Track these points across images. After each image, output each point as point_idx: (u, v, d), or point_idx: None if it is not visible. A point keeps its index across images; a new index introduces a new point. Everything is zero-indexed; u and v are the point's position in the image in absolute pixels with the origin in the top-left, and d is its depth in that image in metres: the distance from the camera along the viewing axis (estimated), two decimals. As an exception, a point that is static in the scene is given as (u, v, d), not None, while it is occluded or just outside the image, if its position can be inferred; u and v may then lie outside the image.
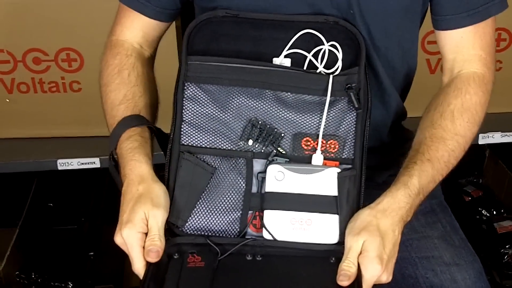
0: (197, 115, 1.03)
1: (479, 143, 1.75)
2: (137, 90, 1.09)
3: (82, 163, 1.69)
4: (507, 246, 1.84)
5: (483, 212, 2.02)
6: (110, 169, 1.06)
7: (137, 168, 1.00)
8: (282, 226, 1.00)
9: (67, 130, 1.77)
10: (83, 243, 1.89)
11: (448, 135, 1.07)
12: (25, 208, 1.92)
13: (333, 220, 1.00)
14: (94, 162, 1.69)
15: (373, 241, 0.93)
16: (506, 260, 1.82)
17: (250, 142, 1.02)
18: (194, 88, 1.03)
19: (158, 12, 1.14)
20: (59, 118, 1.76)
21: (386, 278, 0.94)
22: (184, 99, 1.03)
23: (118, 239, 0.96)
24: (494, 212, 2.02)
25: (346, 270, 0.92)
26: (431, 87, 1.19)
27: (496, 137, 1.76)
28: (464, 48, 1.13)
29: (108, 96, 1.09)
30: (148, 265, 0.96)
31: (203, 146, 1.03)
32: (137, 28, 1.15)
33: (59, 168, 1.69)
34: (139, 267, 0.94)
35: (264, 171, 1.02)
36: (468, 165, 2.17)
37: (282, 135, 1.02)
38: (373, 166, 1.11)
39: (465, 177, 2.18)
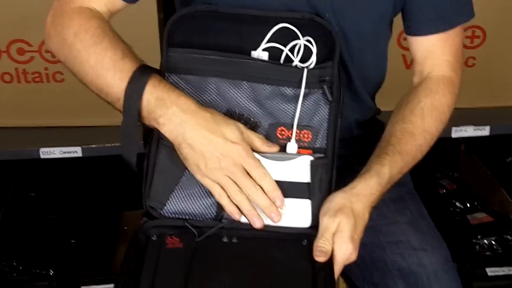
0: None
1: (452, 136, 1.79)
2: (130, 47, 1.05)
3: (64, 152, 1.70)
4: (479, 237, 1.85)
5: (457, 204, 2.03)
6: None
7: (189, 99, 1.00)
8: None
9: (50, 120, 1.78)
10: (64, 231, 1.89)
11: (417, 130, 1.12)
12: (7, 197, 1.93)
13: (305, 205, 1.03)
14: (76, 151, 1.71)
15: (347, 222, 0.98)
16: (478, 250, 1.84)
17: (227, 130, 1.05)
18: (175, 79, 1.05)
19: None
20: (42, 108, 1.77)
21: (354, 257, 0.99)
22: None
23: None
24: (468, 205, 2.03)
25: (322, 246, 0.97)
26: (407, 82, 1.23)
27: (468, 131, 1.81)
28: (434, 54, 1.18)
29: (104, 54, 1.02)
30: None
31: None
32: (102, 2, 1.08)
33: (42, 156, 1.70)
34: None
35: (240, 158, 1.04)
36: (444, 159, 2.20)
37: (258, 124, 1.05)
38: (346, 155, 1.14)
39: (441, 171, 2.20)
